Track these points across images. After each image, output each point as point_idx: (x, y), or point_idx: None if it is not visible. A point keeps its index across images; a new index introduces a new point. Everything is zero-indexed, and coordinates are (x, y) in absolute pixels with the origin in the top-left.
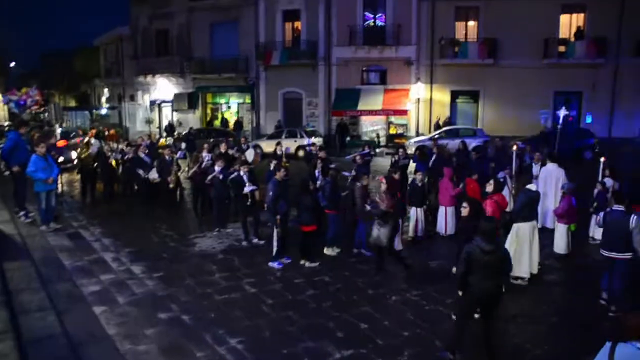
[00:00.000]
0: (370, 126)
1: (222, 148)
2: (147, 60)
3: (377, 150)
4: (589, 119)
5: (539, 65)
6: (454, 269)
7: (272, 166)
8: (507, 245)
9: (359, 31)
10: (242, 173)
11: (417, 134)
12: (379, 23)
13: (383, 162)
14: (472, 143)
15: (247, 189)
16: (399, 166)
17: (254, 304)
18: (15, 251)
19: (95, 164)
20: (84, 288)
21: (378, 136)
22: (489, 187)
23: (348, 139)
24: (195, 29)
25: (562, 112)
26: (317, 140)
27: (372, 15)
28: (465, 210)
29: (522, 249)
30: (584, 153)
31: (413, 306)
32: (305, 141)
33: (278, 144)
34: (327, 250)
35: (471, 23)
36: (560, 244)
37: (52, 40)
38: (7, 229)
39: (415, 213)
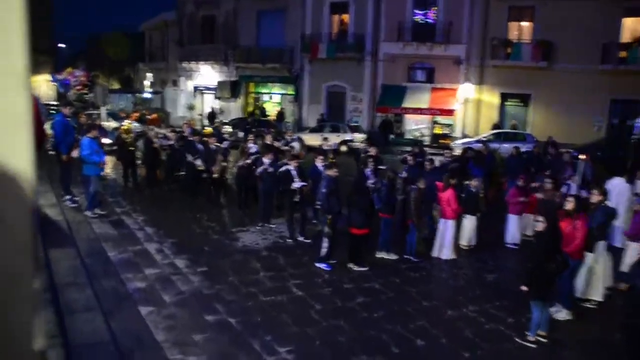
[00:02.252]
0: (414, 125)
1: (268, 139)
2: (192, 47)
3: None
4: None
5: (595, 71)
6: (524, 288)
7: (318, 161)
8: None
9: (408, 27)
10: (291, 167)
11: (463, 136)
12: (429, 20)
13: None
14: (522, 148)
15: (297, 184)
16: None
17: (302, 308)
18: (61, 238)
19: (133, 148)
20: (129, 284)
21: (422, 135)
22: (569, 205)
23: (392, 136)
24: (241, 17)
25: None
26: (360, 136)
27: (422, 11)
28: (540, 226)
29: (596, 269)
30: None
31: (471, 323)
32: (348, 136)
33: (325, 139)
34: (380, 254)
35: (525, 24)
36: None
37: (100, 23)
38: (53, 213)
39: (470, 221)
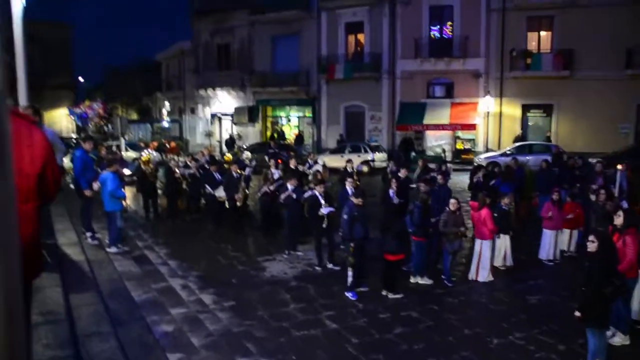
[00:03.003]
0: (435, 141)
1: (292, 164)
2: (209, 74)
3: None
4: None
5: (620, 77)
6: (577, 314)
7: (347, 185)
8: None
9: (425, 43)
10: (317, 193)
11: (487, 150)
12: (446, 35)
13: (458, 181)
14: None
15: (325, 210)
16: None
17: (338, 342)
18: (83, 281)
19: (154, 179)
20: (156, 328)
21: (444, 151)
22: (618, 220)
23: (413, 154)
24: (256, 43)
25: None
26: (381, 156)
27: (438, 27)
28: (592, 246)
29: None
30: None
31: (520, 352)
32: (370, 156)
33: (349, 161)
34: (414, 280)
35: (544, 33)
36: None
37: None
38: (74, 253)
39: (503, 240)
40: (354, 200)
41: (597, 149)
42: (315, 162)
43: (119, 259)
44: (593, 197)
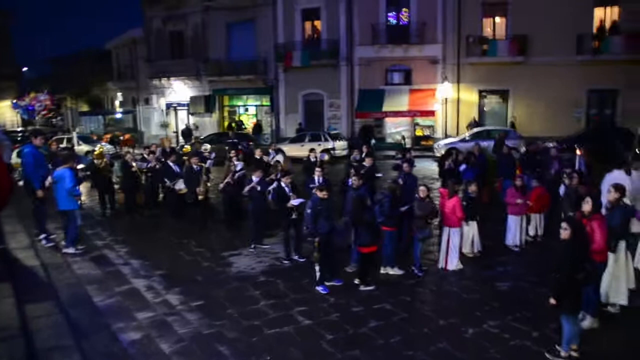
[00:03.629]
0: (394, 128)
1: (257, 154)
2: (162, 63)
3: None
4: None
5: (572, 62)
6: (552, 301)
7: (317, 176)
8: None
9: (382, 29)
10: (283, 184)
11: (446, 136)
12: (402, 21)
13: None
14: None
15: (294, 201)
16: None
17: (312, 340)
18: (39, 289)
19: (110, 173)
20: (122, 336)
21: (404, 138)
22: (587, 207)
23: (373, 141)
24: (210, 30)
25: None
26: (341, 144)
27: (395, 13)
28: (565, 233)
29: (619, 271)
30: (621, 154)
31: (495, 341)
32: (330, 144)
33: (312, 150)
34: (385, 270)
35: (499, 19)
36: None
37: (63, 45)
38: (27, 258)
39: (471, 227)
40: (319, 193)
41: (552, 133)
42: (277, 152)
43: (77, 261)
44: (567, 181)
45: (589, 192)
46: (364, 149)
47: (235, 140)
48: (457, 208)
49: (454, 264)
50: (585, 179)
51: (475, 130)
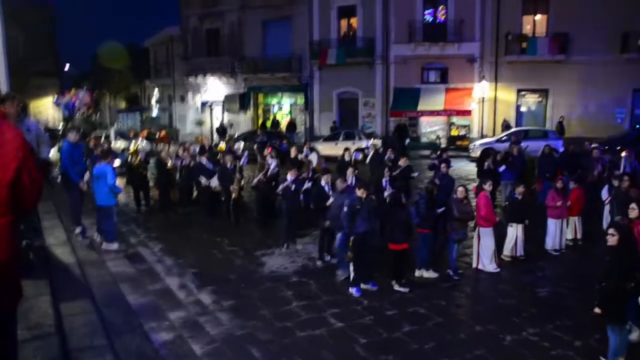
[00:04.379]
0: (429, 127)
1: (293, 153)
2: (198, 60)
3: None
4: None
5: (615, 61)
6: (597, 311)
7: (349, 176)
8: None
9: (419, 27)
10: (323, 183)
11: (482, 136)
12: (439, 19)
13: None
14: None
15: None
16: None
17: (345, 343)
18: (75, 287)
19: (146, 170)
20: (155, 336)
21: (439, 138)
22: (633, 213)
23: (408, 141)
24: (246, 28)
25: None
26: (376, 143)
27: (432, 11)
28: (613, 239)
29: None
30: None
31: (535, 349)
32: (364, 143)
33: (347, 149)
34: (419, 273)
35: (539, 17)
36: None
37: (104, 42)
38: (64, 255)
39: (515, 230)
40: (357, 192)
41: (593, 134)
42: (311, 150)
43: (112, 259)
44: (616, 183)
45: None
46: (389, 152)
47: (265, 139)
48: (482, 206)
49: (484, 264)
50: (637, 182)
51: (512, 130)
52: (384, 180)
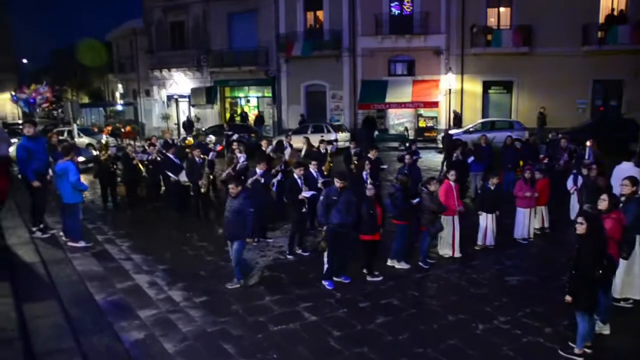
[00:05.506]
0: (397, 119)
1: (264, 146)
2: (163, 54)
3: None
4: None
5: (577, 53)
6: (568, 298)
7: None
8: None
9: (385, 20)
10: (296, 176)
11: (449, 127)
12: (406, 11)
13: (428, 160)
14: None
15: (306, 194)
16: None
17: (319, 337)
18: (39, 287)
19: (115, 166)
20: (125, 335)
21: (407, 129)
22: (603, 204)
23: (376, 133)
24: (212, 21)
25: None
26: (344, 135)
27: (398, 3)
28: (581, 228)
29: (632, 265)
30: (629, 145)
31: (507, 337)
32: (333, 136)
33: (322, 141)
34: (391, 262)
35: (503, 9)
36: None
37: (63, 37)
38: (27, 254)
39: (485, 220)
40: (337, 183)
41: (557, 125)
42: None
43: (79, 257)
44: (585, 172)
45: (608, 184)
46: (351, 145)
47: (230, 132)
48: (441, 195)
49: (444, 251)
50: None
51: (481, 121)
52: (364, 173)
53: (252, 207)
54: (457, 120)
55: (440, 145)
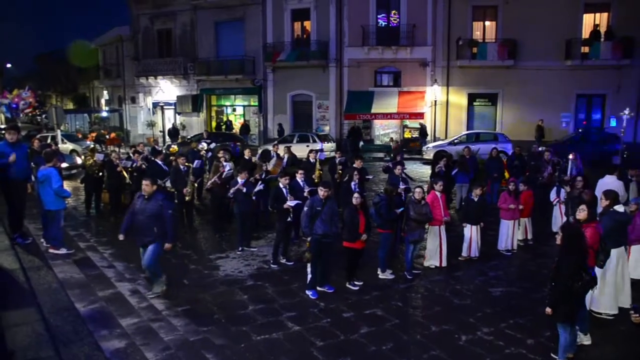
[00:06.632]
0: (382, 130)
1: (247, 154)
2: (149, 62)
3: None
4: (613, 123)
5: (560, 67)
6: (548, 310)
7: (298, 178)
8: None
9: (372, 31)
10: (281, 185)
11: (434, 139)
12: (392, 23)
13: (413, 171)
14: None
15: (291, 203)
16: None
17: (302, 346)
18: (18, 295)
19: (101, 173)
20: (105, 344)
21: (392, 140)
22: (582, 214)
23: (362, 143)
24: (199, 29)
25: None
26: (330, 145)
27: (385, 15)
28: (558, 239)
29: (606, 279)
30: (612, 159)
31: (490, 349)
32: (318, 146)
33: (311, 151)
34: (379, 273)
35: (489, 23)
36: (637, 269)
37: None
38: (6, 261)
39: (470, 231)
40: (321, 192)
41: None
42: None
43: (59, 264)
44: (567, 188)
45: (593, 197)
46: (337, 155)
47: (209, 141)
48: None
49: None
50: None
51: (466, 133)
52: (352, 183)
53: (171, 209)
54: (423, 132)
55: (426, 157)
